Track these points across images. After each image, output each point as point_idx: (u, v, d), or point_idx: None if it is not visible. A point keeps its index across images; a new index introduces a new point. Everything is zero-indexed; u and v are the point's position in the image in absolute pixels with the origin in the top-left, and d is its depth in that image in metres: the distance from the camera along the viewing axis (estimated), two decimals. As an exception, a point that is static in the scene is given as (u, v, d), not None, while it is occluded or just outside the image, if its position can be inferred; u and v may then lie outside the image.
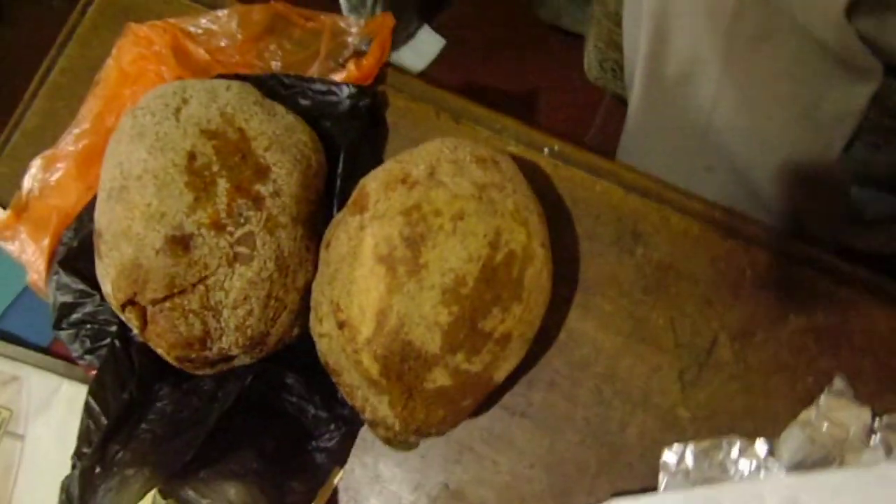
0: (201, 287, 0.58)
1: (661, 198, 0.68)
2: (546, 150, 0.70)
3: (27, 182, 0.74)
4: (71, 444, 0.63)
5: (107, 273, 0.60)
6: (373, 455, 0.68)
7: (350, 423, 0.67)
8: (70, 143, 0.73)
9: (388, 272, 0.56)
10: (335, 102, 0.70)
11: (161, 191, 0.58)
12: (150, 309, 0.58)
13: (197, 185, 0.58)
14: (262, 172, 0.60)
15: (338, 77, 0.72)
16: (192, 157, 0.59)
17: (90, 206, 0.68)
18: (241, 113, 0.62)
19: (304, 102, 0.70)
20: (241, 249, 0.59)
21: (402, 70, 1.35)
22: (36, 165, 0.74)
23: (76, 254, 0.68)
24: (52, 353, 0.74)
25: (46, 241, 0.71)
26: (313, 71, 0.73)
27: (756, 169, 0.80)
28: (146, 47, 0.71)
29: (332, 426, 0.67)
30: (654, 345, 0.65)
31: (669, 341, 0.65)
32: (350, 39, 0.74)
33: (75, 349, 0.68)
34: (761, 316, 0.64)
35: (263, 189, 0.60)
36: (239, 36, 0.73)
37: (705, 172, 0.83)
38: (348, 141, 0.68)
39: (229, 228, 0.58)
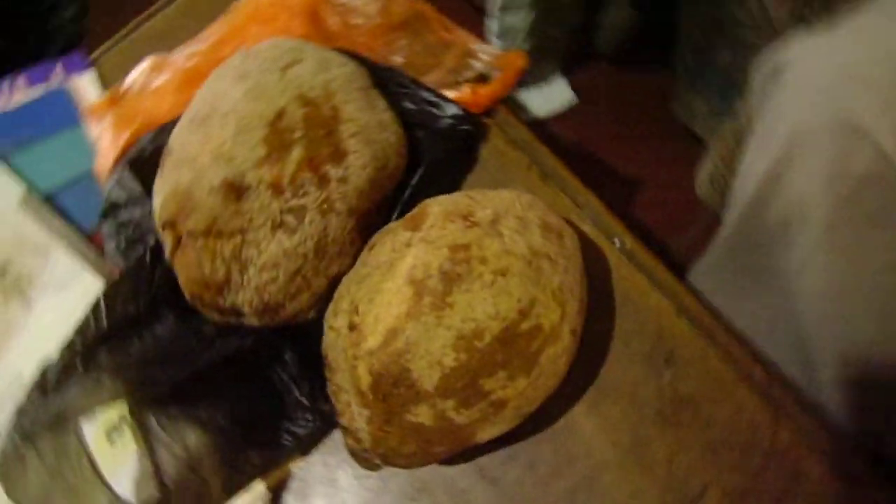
0: (238, 238, 0.58)
1: (709, 333, 0.65)
2: (617, 242, 0.69)
3: (131, 77, 0.76)
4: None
5: (161, 189, 0.61)
6: (337, 459, 0.67)
7: (326, 421, 0.66)
8: (183, 57, 0.74)
9: (415, 297, 0.55)
10: (437, 116, 0.69)
11: (239, 135, 0.58)
12: (184, 237, 0.59)
13: (274, 143, 0.59)
14: (339, 156, 0.60)
15: (451, 94, 0.71)
16: (280, 115, 0.59)
17: (174, 122, 0.69)
18: (343, 93, 0.62)
19: (408, 105, 0.70)
20: (289, 219, 0.59)
21: (519, 108, 1.34)
22: (145, 64, 0.76)
23: (145, 160, 0.69)
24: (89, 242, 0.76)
25: (125, 138, 0.73)
26: (430, 79, 0.73)
27: (824, 350, 0.76)
28: (287, -3, 0.72)
29: (310, 416, 0.66)
30: (645, 469, 0.63)
31: (662, 472, 0.63)
32: (478, 64, 0.73)
33: (110, 246, 0.69)
34: (762, 487, 0.61)
35: (333, 172, 0.60)
36: (375, 20, 0.74)
37: (768, 331, 0.80)
38: (433, 157, 0.68)
39: (286, 195, 0.59)
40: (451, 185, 0.70)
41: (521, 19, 1.16)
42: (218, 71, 0.63)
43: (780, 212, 0.73)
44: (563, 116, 1.47)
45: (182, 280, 0.60)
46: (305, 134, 0.59)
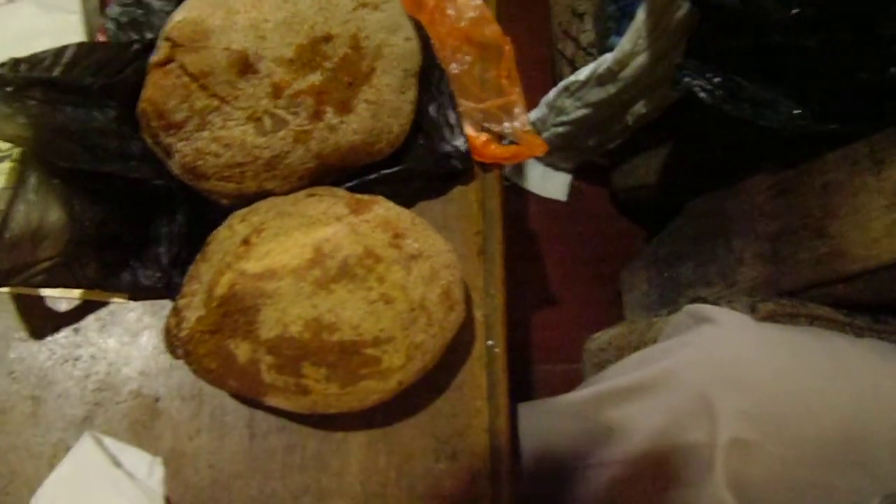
0: (216, 102, 0.59)
1: (495, 461, 0.69)
2: (491, 342, 0.72)
3: None
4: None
5: (189, 8, 0.60)
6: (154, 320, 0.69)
7: (169, 289, 0.67)
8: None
9: (309, 262, 0.58)
10: (443, 137, 0.71)
11: (284, 26, 0.59)
12: (175, 63, 0.59)
13: (304, 56, 0.60)
14: (344, 108, 0.62)
15: (469, 128, 0.74)
16: (328, 39, 0.60)
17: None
18: (389, 63, 0.64)
19: (430, 109, 0.71)
20: (267, 121, 0.60)
21: (517, 170, 1.36)
22: None
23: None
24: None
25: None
26: (462, 104, 0.75)
27: None
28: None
29: (159, 275, 0.67)
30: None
31: None
32: (507, 125, 0.76)
33: (114, 9, 0.68)
34: None
35: (329, 116, 0.62)
36: (462, 23, 0.75)
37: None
38: (415, 168, 0.70)
39: (280, 101, 0.60)
40: (408, 197, 0.72)
41: (574, 108, 1.19)
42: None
43: (617, 417, 0.79)
44: (539, 200, 1.51)
45: (145, 93, 0.60)
46: (334, 70, 0.61)
